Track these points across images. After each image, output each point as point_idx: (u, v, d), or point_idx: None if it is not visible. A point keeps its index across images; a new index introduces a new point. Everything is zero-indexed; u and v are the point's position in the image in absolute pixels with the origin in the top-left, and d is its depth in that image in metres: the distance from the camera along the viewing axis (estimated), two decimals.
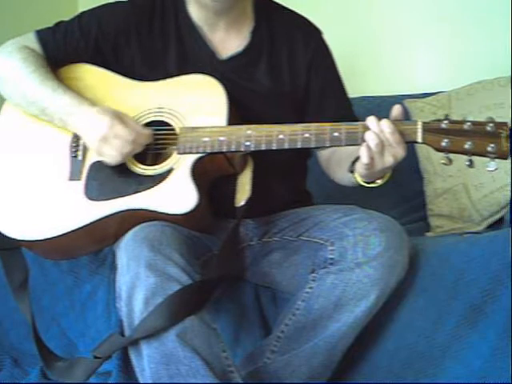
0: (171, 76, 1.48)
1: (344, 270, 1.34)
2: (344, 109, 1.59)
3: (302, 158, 1.64)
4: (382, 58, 2.43)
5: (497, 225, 1.91)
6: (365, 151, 1.27)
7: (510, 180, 1.81)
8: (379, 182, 1.36)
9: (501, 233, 1.50)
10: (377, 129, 1.27)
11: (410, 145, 2.09)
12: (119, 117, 1.40)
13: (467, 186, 1.96)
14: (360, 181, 1.37)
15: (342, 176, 1.50)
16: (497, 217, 1.92)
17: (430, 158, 2.05)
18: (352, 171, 1.38)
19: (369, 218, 1.37)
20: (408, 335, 1.42)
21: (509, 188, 1.84)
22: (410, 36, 2.38)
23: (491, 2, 2.23)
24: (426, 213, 2.06)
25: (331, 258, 1.36)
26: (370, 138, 1.27)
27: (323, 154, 1.60)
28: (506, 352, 1.32)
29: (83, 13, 1.56)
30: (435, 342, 1.39)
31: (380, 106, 2.19)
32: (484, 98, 2.00)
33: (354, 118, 1.50)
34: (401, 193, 2.11)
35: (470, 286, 1.38)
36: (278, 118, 1.39)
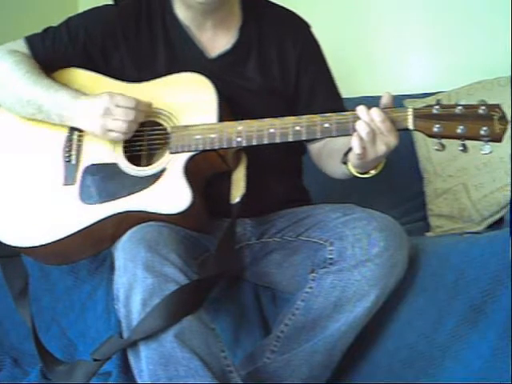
0: (160, 76, 1.48)
1: (343, 269, 1.34)
2: (334, 102, 1.58)
3: (296, 155, 1.63)
4: (382, 58, 2.43)
5: (497, 225, 1.91)
6: (356, 141, 1.27)
7: (509, 180, 1.81)
8: (373, 172, 1.35)
9: (501, 233, 1.50)
10: (367, 118, 1.27)
11: (410, 145, 2.09)
12: (115, 92, 1.41)
13: (467, 186, 1.95)
14: (354, 172, 1.36)
15: (334, 168, 1.50)
16: (497, 217, 1.92)
17: (430, 158, 2.05)
18: (345, 162, 1.37)
19: (368, 218, 1.37)
20: (408, 335, 1.42)
21: (509, 188, 1.84)
22: (410, 36, 2.38)
23: (491, 2, 2.23)
24: (426, 213, 2.05)
25: (331, 258, 1.36)
26: (361, 128, 1.27)
27: (314, 147, 1.60)
28: (506, 352, 1.32)
29: (70, 18, 1.56)
30: (435, 342, 1.40)
31: None
32: (484, 98, 2.00)
33: (344, 111, 1.50)
34: (401, 193, 2.11)
35: (470, 286, 1.38)
36: (270, 114, 1.39)
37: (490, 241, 1.44)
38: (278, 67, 1.54)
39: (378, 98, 2.28)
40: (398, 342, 1.43)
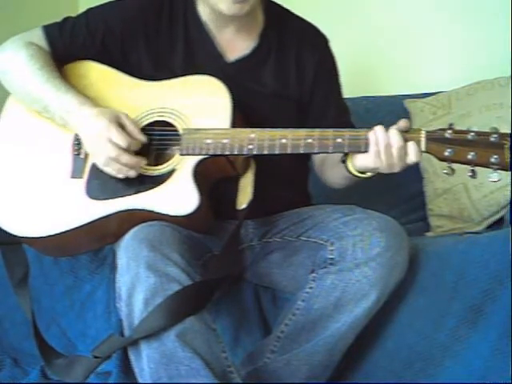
0: (177, 76, 1.47)
1: (344, 270, 1.34)
2: (344, 117, 1.59)
3: (303, 160, 1.63)
4: (382, 58, 2.43)
5: (497, 225, 1.91)
6: (373, 157, 1.29)
7: (510, 180, 1.81)
8: (369, 174, 1.37)
9: (501, 233, 1.50)
10: (385, 140, 1.28)
11: None
12: (117, 120, 1.39)
13: (467, 186, 1.95)
14: (353, 170, 1.37)
15: (332, 171, 1.50)
16: (497, 217, 1.92)
17: (430, 158, 2.04)
18: (344, 161, 1.38)
19: (368, 218, 1.37)
20: (408, 335, 1.42)
21: (509, 188, 1.84)
22: (410, 36, 2.38)
23: (491, 2, 2.23)
24: (426, 213, 2.05)
25: (331, 258, 1.36)
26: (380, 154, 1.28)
27: (318, 156, 1.59)
28: (506, 352, 1.32)
29: (90, 9, 1.55)
30: (435, 342, 1.40)
31: (380, 106, 2.19)
32: (484, 98, 2.00)
33: (351, 126, 1.51)
34: (401, 193, 2.11)
35: (470, 286, 1.38)
36: (281, 122, 1.39)
37: (490, 241, 1.44)
38: (296, 75, 1.54)
39: (379, 97, 2.29)
40: (398, 342, 1.43)
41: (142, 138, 1.41)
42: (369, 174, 1.37)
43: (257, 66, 1.53)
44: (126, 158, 1.37)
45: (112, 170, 1.38)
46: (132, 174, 1.38)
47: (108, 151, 1.37)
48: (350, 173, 1.38)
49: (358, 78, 2.30)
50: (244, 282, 1.56)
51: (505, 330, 1.33)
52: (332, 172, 1.51)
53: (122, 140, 1.37)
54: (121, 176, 1.39)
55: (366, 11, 2.43)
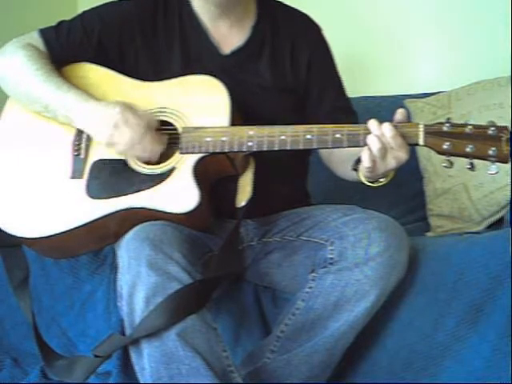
0: (175, 73, 1.48)
1: (344, 269, 1.34)
2: (342, 101, 1.60)
3: (302, 157, 1.63)
4: (382, 57, 2.43)
5: (497, 225, 1.91)
6: (367, 155, 1.28)
7: (510, 180, 1.81)
8: (382, 180, 1.36)
9: (501, 233, 1.50)
10: (378, 132, 1.28)
11: None
12: (129, 106, 1.41)
13: (467, 186, 1.95)
14: (364, 180, 1.37)
15: (345, 173, 1.50)
16: (497, 217, 1.92)
17: (430, 158, 2.05)
18: (356, 169, 1.38)
19: (368, 218, 1.37)
20: (408, 335, 1.42)
21: (509, 188, 1.84)
22: (410, 36, 2.38)
23: (491, 2, 2.23)
24: (426, 213, 2.05)
25: (331, 258, 1.36)
26: (372, 143, 1.27)
27: (324, 150, 1.60)
28: (506, 352, 1.32)
29: (86, 12, 1.55)
30: (435, 342, 1.40)
31: (380, 106, 2.19)
32: (484, 98, 2.00)
33: (352, 111, 1.54)
34: (401, 193, 2.11)
35: (470, 286, 1.38)
36: (280, 112, 1.40)
37: (490, 241, 1.44)
38: (290, 65, 1.55)
39: (379, 97, 2.29)
40: (398, 341, 1.43)
41: (155, 120, 1.42)
42: (382, 181, 1.36)
43: (252, 58, 1.54)
44: (150, 136, 1.39)
45: (138, 151, 1.39)
46: (158, 151, 1.40)
47: (131, 133, 1.37)
48: (362, 182, 1.38)
49: (358, 78, 2.30)
50: (244, 282, 1.56)
51: (505, 330, 1.34)
52: (343, 171, 1.52)
53: (141, 120, 1.38)
54: (146, 155, 1.39)
55: (366, 11, 2.43)
